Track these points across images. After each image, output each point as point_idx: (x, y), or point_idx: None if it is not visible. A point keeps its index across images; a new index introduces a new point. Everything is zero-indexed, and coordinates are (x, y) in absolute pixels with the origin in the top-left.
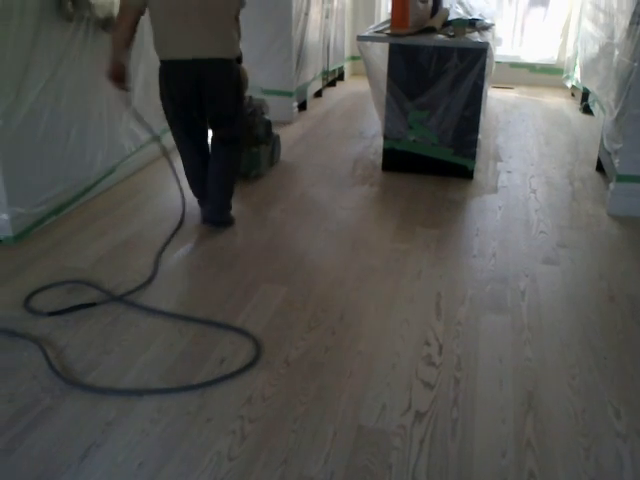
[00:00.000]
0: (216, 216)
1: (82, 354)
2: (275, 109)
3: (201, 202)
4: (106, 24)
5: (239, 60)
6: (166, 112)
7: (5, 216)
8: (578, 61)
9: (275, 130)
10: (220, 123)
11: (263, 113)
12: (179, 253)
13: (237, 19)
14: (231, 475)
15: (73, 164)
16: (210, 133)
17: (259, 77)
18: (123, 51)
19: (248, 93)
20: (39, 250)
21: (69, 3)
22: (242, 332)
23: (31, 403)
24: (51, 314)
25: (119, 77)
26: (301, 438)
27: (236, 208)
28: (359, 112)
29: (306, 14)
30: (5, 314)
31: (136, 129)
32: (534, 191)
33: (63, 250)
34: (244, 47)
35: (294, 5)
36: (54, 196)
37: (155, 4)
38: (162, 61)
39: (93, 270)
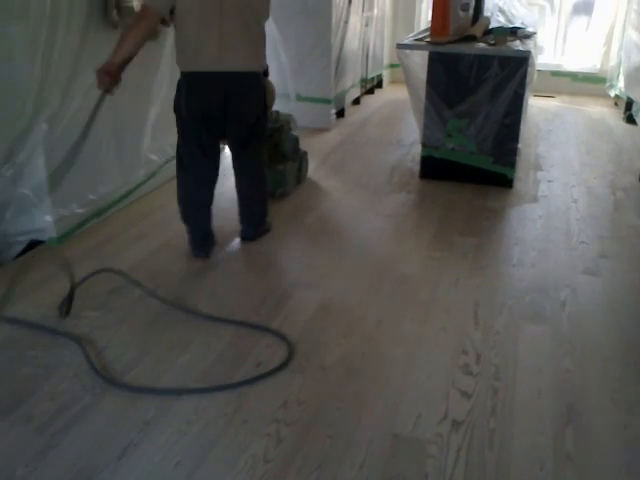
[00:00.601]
0: (255, 231)
1: (122, 354)
2: (313, 116)
3: (202, 243)
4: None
5: (266, 73)
6: (182, 130)
7: (49, 218)
8: (622, 70)
9: (308, 141)
10: (246, 141)
11: (290, 129)
12: (218, 256)
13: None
14: (266, 478)
15: (114, 168)
16: (228, 151)
17: (298, 84)
18: (129, 58)
19: (275, 107)
20: (81, 251)
21: (114, 11)
22: (277, 334)
23: (71, 401)
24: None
25: (111, 77)
26: (336, 444)
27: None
28: (397, 120)
29: (346, 22)
30: (48, 313)
31: None
32: (575, 201)
33: (104, 252)
34: (283, 54)
35: (334, 13)
36: (96, 199)
37: (186, 8)
38: (188, 73)
39: (133, 271)
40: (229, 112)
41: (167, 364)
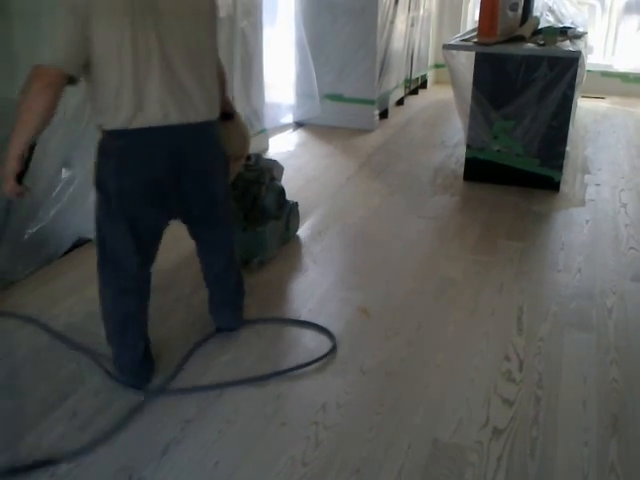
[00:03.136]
0: (235, 321)
1: (164, 353)
2: (356, 117)
3: (138, 369)
4: None
5: (230, 116)
6: (109, 215)
7: None
8: None
9: (350, 142)
10: (213, 216)
11: (274, 178)
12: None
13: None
14: None
15: None
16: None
17: (341, 85)
18: (33, 137)
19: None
20: None
21: None
22: (319, 328)
23: (115, 398)
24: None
25: (20, 175)
26: (375, 448)
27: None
28: (441, 121)
29: (392, 22)
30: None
31: None
32: (624, 205)
33: None
34: (326, 55)
35: (380, 13)
36: None
37: (110, 51)
38: (120, 133)
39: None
40: (183, 182)
41: (209, 364)
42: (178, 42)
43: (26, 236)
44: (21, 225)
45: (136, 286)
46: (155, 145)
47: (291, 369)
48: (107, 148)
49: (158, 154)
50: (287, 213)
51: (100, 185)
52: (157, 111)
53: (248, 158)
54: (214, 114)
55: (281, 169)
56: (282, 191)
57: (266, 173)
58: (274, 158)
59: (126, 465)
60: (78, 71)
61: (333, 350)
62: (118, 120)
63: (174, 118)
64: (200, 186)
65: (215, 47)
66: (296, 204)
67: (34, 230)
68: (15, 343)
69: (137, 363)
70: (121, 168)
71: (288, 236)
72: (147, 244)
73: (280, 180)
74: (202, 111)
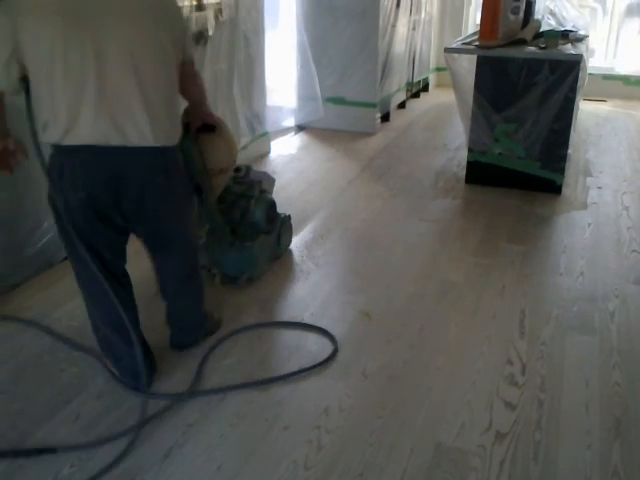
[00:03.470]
0: (188, 339)
1: (165, 357)
2: (358, 120)
3: (135, 373)
4: (199, 37)
5: (212, 128)
6: (61, 229)
7: None
8: None
9: (352, 146)
10: (155, 244)
11: (264, 191)
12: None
13: (192, 67)
14: None
15: None
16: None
17: (343, 88)
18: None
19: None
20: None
21: None
22: (322, 330)
23: (118, 401)
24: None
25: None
26: (377, 452)
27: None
28: (443, 124)
29: (393, 26)
30: None
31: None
32: (626, 208)
33: None
34: (328, 58)
35: (381, 17)
36: None
37: (41, 60)
38: (59, 148)
39: None
40: (124, 205)
41: (211, 368)
42: (120, 63)
43: (29, 240)
44: (24, 231)
45: (104, 295)
46: (90, 164)
47: (293, 373)
48: (52, 163)
49: (94, 174)
50: (278, 227)
51: (50, 200)
52: (91, 130)
53: (237, 170)
54: (163, 141)
55: (272, 181)
56: (273, 204)
57: (255, 185)
58: (279, 157)
59: (128, 468)
60: (14, 87)
61: (335, 353)
62: (54, 136)
63: (111, 139)
64: (143, 213)
65: (170, 59)
66: (288, 217)
67: (37, 234)
68: (18, 346)
69: (128, 367)
70: (63, 184)
71: (280, 251)
72: (105, 256)
73: (271, 192)
74: (148, 136)
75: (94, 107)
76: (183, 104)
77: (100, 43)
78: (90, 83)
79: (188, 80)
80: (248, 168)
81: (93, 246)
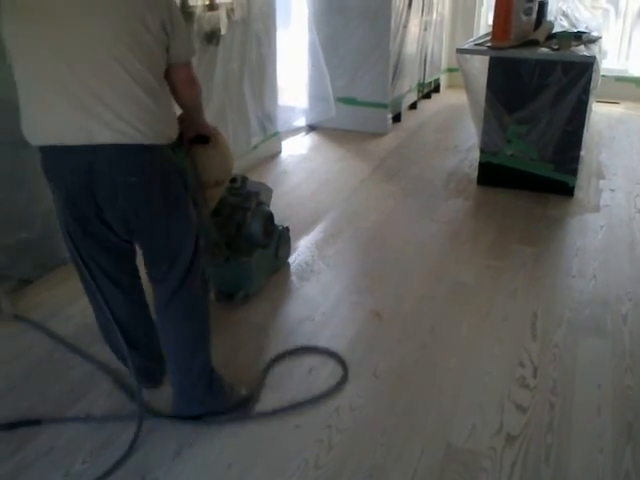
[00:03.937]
0: (186, 408)
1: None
2: (369, 121)
3: (145, 372)
4: (211, 37)
5: (205, 139)
6: (60, 226)
7: None
8: None
9: (363, 146)
10: (153, 262)
11: (261, 203)
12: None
13: (185, 71)
14: None
15: None
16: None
17: (354, 89)
18: None
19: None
20: None
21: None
22: (329, 353)
23: (129, 398)
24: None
25: None
26: (388, 452)
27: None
28: (454, 125)
29: (405, 26)
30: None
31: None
32: (639, 211)
33: None
34: (339, 58)
35: (393, 17)
36: None
37: (18, 47)
38: (39, 147)
39: None
40: (104, 210)
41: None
42: (87, 59)
43: (43, 238)
44: (40, 228)
45: (96, 296)
46: (63, 164)
47: (305, 402)
48: (41, 163)
49: (68, 174)
50: (276, 240)
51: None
52: (60, 128)
53: (232, 180)
54: (156, 135)
55: (269, 192)
56: (270, 216)
57: (252, 197)
58: (290, 157)
59: (138, 466)
60: None
61: (344, 379)
62: (28, 135)
63: (80, 138)
64: (123, 218)
65: (156, 66)
66: (287, 229)
67: (50, 232)
68: (28, 343)
69: (132, 367)
70: (50, 184)
71: (278, 265)
72: (101, 262)
73: (269, 204)
74: (128, 132)
75: (60, 104)
76: (178, 111)
77: (66, 38)
78: (55, 80)
79: (180, 85)
80: (244, 179)
81: (87, 249)
